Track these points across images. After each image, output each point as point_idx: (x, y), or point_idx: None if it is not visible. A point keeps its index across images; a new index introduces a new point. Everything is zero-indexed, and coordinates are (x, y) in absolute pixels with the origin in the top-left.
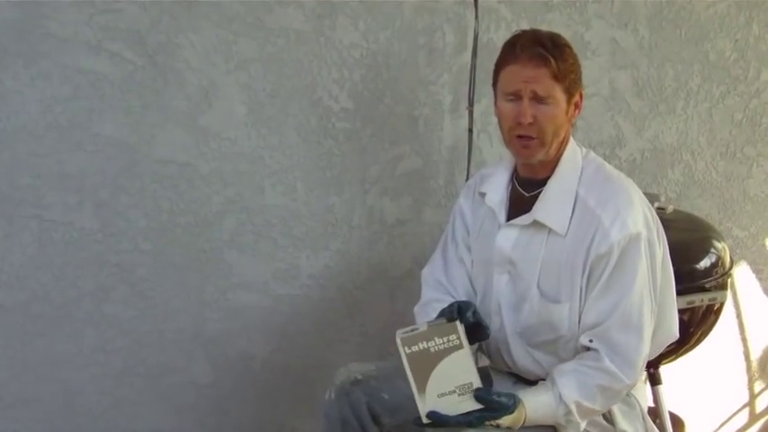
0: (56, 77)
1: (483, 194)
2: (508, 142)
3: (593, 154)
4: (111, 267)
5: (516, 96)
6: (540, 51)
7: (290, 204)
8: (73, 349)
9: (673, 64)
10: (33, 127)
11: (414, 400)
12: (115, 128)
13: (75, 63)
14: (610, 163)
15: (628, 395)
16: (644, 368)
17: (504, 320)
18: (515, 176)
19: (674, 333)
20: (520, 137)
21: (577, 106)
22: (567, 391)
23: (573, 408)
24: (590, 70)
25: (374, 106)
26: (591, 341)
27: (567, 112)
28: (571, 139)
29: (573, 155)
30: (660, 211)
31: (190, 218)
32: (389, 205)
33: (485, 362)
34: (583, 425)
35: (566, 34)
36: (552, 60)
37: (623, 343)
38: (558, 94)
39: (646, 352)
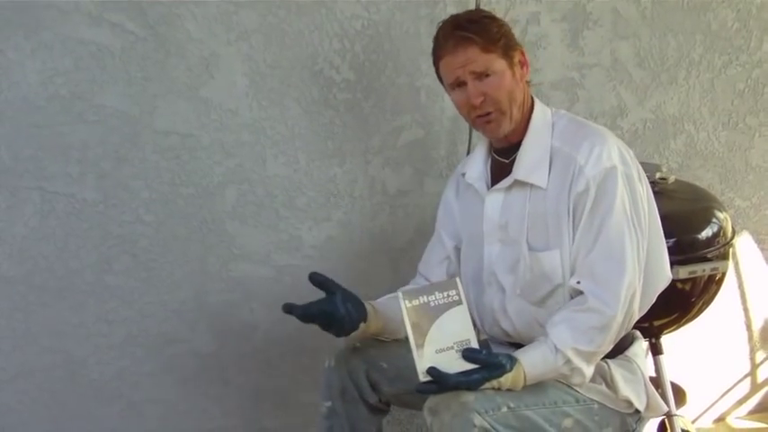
0: (57, 49)
1: (464, 174)
2: (473, 125)
3: (563, 111)
4: (114, 239)
5: (460, 83)
6: (462, 34)
7: (291, 175)
8: (75, 320)
9: (675, 34)
10: (35, 98)
11: (413, 370)
12: (117, 99)
13: (76, 34)
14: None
15: (629, 361)
16: (633, 300)
17: (503, 285)
18: (492, 149)
19: (668, 275)
20: (479, 116)
21: (523, 64)
22: (560, 339)
23: (570, 354)
24: (592, 40)
25: (376, 77)
26: (578, 282)
27: (513, 75)
28: (536, 99)
29: (542, 114)
30: (662, 181)
31: (192, 189)
32: (391, 176)
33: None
34: (589, 371)
35: (567, 5)
36: (475, 36)
37: (604, 272)
38: (496, 62)
39: (628, 281)
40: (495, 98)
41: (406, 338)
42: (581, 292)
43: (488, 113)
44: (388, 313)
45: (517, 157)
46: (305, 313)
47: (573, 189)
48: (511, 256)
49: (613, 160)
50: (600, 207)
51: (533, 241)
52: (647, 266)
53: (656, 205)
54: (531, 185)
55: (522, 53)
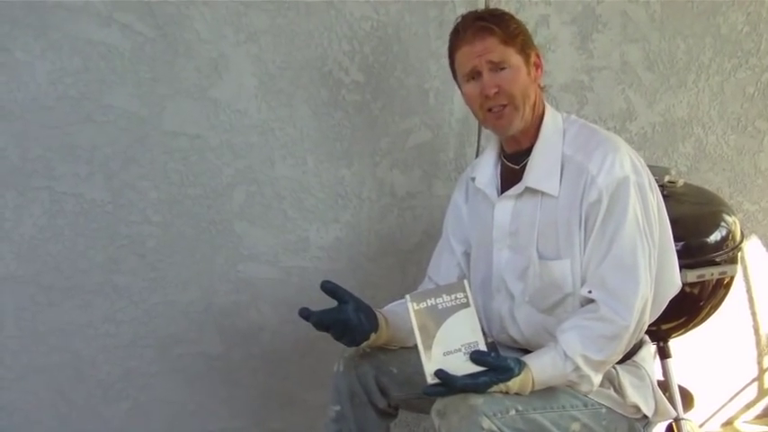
0: (66, 49)
1: (474, 179)
2: (483, 121)
3: (574, 116)
4: (122, 239)
5: (476, 74)
6: (482, 24)
7: (300, 177)
8: (83, 320)
9: (684, 37)
10: (44, 98)
11: (422, 375)
12: (125, 100)
13: (85, 35)
14: (621, 137)
15: (637, 367)
16: (644, 311)
17: (511, 293)
18: (503, 154)
19: (677, 283)
20: (491, 110)
21: (537, 66)
22: (570, 346)
23: (580, 362)
24: (601, 43)
25: (384, 79)
26: (590, 292)
27: (528, 74)
28: (547, 105)
29: (553, 119)
30: (671, 184)
31: (200, 190)
32: (400, 178)
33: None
34: (597, 379)
35: (576, 8)
36: (496, 28)
37: (617, 283)
38: (513, 57)
39: (642, 292)
40: (510, 91)
41: (416, 343)
42: (592, 301)
43: (503, 106)
44: (398, 322)
45: (528, 164)
46: (320, 320)
47: (585, 199)
48: (520, 263)
49: (626, 170)
50: (612, 217)
51: (543, 249)
52: (657, 275)
53: (666, 213)
54: (543, 193)
55: (538, 55)
